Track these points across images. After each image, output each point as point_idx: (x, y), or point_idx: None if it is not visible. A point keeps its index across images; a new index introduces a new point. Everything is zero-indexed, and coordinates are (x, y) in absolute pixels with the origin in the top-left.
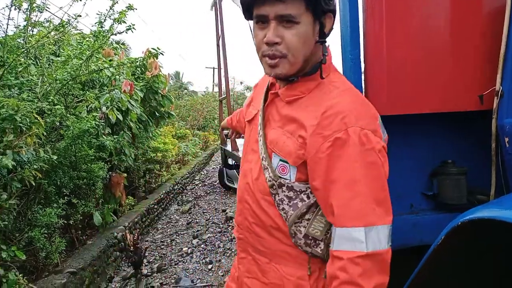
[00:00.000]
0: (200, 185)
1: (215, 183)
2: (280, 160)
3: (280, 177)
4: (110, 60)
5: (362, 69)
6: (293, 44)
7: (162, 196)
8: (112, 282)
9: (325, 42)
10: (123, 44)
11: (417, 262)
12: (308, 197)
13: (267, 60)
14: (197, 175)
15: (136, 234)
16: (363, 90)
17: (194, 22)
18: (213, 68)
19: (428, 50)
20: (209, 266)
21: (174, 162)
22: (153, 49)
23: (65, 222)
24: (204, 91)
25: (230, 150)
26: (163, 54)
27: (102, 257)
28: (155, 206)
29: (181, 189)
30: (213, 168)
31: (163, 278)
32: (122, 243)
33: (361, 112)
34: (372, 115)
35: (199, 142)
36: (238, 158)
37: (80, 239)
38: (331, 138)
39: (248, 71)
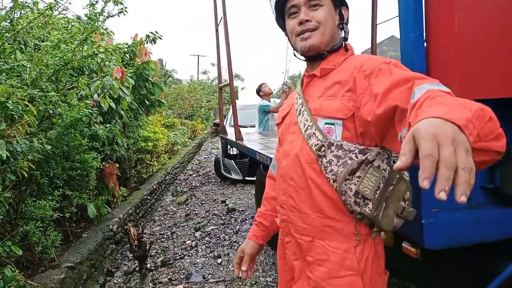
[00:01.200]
0: (194, 175)
1: (210, 173)
2: (326, 123)
3: (328, 138)
4: (99, 46)
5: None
6: (321, 18)
7: (154, 186)
8: (114, 277)
9: (345, 24)
10: (106, 30)
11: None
12: (357, 156)
13: (301, 37)
14: (187, 164)
15: (140, 228)
16: (426, 71)
17: (177, 9)
18: (198, 55)
19: (501, 30)
20: (219, 260)
21: (164, 152)
22: (151, 33)
23: (60, 215)
24: (190, 79)
25: (234, 140)
26: (161, 39)
27: (98, 250)
28: (148, 197)
29: (172, 179)
30: (204, 158)
31: (170, 273)
32: (118, 236)
33: (385, 58)
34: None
35: (187, 131)
36: (243, 148)
37: (75, 232)
38: (375, 70)
39: (238, 63)
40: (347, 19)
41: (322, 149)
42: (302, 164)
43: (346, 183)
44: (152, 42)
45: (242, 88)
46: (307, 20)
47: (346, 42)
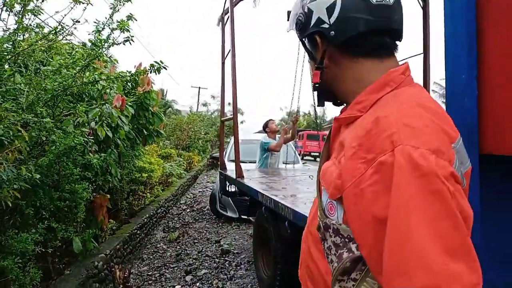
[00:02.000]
0: (187, 210)
1: (204, 209)
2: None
3: (327, 217)
4: (101, 73)
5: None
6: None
7: (145, 220)
8: None
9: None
10: (110, 58)
11: None
12: (357, 249)
13: None
14: (181, 198)
15: (127, 270)
16: (477, 122)
17: (183, 40)
18: (199, 87)
19: None
20: None
21: (157, 183)
22: (155, 62)
23: (42, 250)
24: (190, 111)
25: (234, 177)
26: (166, 69)
27: None
28: (138, 232)
29: (164, 213)
30: (199, 191)
31: None
32: (102, 274)
33: (419, 127)
34: (439, 133)
35: (184, 163)
36: (244, 187)
37: (57, 268)
38: (374, 162)
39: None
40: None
41: (320, 230)
42: (308, 241)
43: (340, 284)
44: (156, 72)
45: (241, 122)
46: None
47: (386, 74)
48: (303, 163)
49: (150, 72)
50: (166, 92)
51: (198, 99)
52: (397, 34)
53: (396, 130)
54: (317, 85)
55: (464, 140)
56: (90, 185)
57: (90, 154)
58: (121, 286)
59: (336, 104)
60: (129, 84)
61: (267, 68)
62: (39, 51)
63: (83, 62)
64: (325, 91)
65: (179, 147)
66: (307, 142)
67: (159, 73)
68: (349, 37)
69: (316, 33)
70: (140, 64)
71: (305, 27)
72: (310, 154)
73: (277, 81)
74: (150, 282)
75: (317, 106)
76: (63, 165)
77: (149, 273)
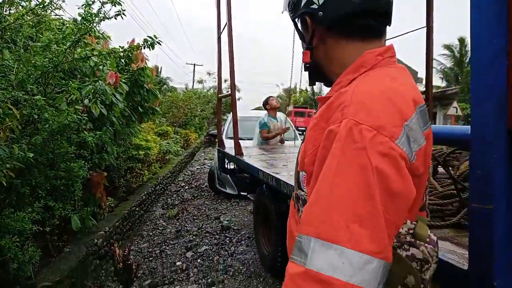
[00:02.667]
0: (186, 187)
1: (203, 186)
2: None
3: (301, 189)
4: (93, 49)
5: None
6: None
7: (144, 197)
8: None
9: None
10: (102, 34)
11: None
12: None
13: None
14: (179, 175)
15: (127, 248)
16: (506, 94)
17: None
18: (194, 64)
19: None
20: None
21: (155, 161)
22: (149, 37)
23: (40, 228)
24: (185, 88)
25: (233, 155)
26: (160, 44)
27: (80, 267)
28: (137, 209)
29: (162, 190)
30: (197, 168)
31: None
32: (102, 250)
33: (369, 104)
34: (390, 111)
35: (180, 140)
36: (244, 164)
37: (56, 246)
38: (326, 131)
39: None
40: (316, 35)
41: (294, 201)
42: (290, 211)
43: None
44: (151, 47)
45: (238, 99)
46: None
47: (362, 56)
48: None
49: (144, 48)
50: (161, 69)
51: (194, 76)
52: (384, 18)
53: (348, 104)
54: (307, 65)
55: (491, 115)
56: (86, 163)
57: (85, 132)
58: (120, 264)
59: (327, 84)
60: (122, 60)
61: (265, 44)
62: (27, 27)
63: (74, 38)
64: (315, 71)
65: (175, 124)
66: (295, 118)
67: (153, 49)
68: (336, 18)
69: (306, 13)
70: (134, 40)
71: (296, 7)
72: (298, 128)
73: (274, 58)
74: (150, 258)
75: (309, 85)
76: (58, 144)
77: (149, 250)
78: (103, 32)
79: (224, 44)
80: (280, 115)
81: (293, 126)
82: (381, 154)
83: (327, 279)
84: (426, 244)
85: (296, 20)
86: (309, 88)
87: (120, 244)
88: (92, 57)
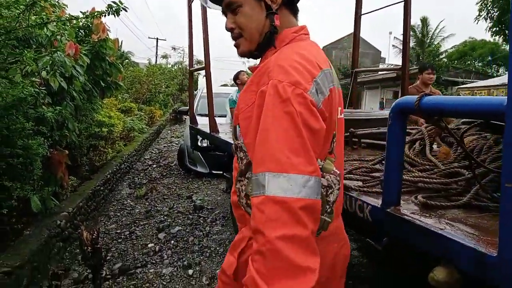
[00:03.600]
0: (154, 165)
1: (172, 164)
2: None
3: (236, 140)
4: (46, 15)
5: None
6: (242, 23)
7: (108, 176)
8: (62, 286)
9: (274, 13)
10: (58, 2)
11: None
12: None
13: (234, 44)
14: (145, 153)
15: (95, 231)
16: None
17: None
18: (157, 38)
19: None
20: (189, 272)
21: (119, 138)
22: (114, 3)
23: None
24: (148, 63)
25: (208, 132)
26: (126, 10)
27: (43, 250)
28: (102, 188)
29: (128, 168)
30: (164, 146)
31: (131, 286)
32: (66, 232)
33: (287, 67)
34: (301, 71)
35: (145, 117)
36: (220, 141)
37: (15, 228)
38: (258, 92)
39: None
40: (279, 4)
41: (233, 151)
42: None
43: (239, 183)
44: (116, 14)
45: (203, 77)
46: (232, 28)
47: (282, 32)
48: None
49: (108, 14)
50: (121, 43)
51: (157, 51)
52: None
53: (272, 69)
54: (275, 29)
55: None
56: (45, 140)
57: (43, 107)
58: (89, 248)
59: (258, 56)
60: (82, 31)
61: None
62: None
63: (27, 1)
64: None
65: (139, 101)
66: None
67: (118, 15)
68: None
69: None
70: (94, 9)
71: None
72: None
73: None
74: (119, 240)
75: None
76: (13, 119)
77: (118, 231)
78: (58, 0)
79: (194, 15)
80: None
81: None
82: (300, 102)
83: (281, 199)
84: (330, 174)
85: None
86: None
87: (86, 225)
88: (48, 25)
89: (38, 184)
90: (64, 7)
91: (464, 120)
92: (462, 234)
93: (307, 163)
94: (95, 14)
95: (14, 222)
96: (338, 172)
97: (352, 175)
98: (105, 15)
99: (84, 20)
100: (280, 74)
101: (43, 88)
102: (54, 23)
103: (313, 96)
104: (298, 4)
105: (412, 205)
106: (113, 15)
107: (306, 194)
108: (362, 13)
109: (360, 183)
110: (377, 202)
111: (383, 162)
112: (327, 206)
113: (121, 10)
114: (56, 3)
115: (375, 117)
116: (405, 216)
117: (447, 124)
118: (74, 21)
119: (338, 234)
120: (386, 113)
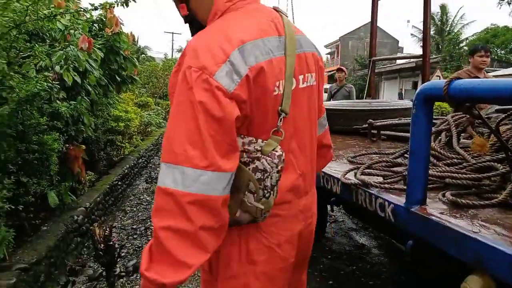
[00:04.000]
0: None
1: None
2: None
3: None
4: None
5: None
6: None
7: (126, 170)
8: (76, 284)
9: None
10: None
11: None
12: None
13: None
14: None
15: (108, 228)
16: None
17: None
18: (172, 33)
19: None
20: None
21: (136, 133)
22: None
23: (11, 207)
24: (165, 57)
25: None
26: (135, 1)
27: (60, 246)
28: (119, 183)
29: (145, 163)
30: None
31: None
32: (84, 227)
33: (198, 50)
34: (213, 52)
35: (162, 112)
36: None
37: (33, 224)
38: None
39: None
40: None
41: None
42: None
43: None
44: (125, 5)
45: None
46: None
47: (214, 4)
48: None
49: (118, 5)
50: (138, 37)
51: (172, 45)
52: None
53: (187, 53)
54: (186, 17)
55: None
56: (61, 135)
57: (57, 101)
58: (102, 245)
59: None
60: (95, 25)
61: None
62: None
63: None
64: (195, 22)
65: (155, 95)
66: None
67: (127, 6)
68: None
69: None
70: (107, 2)
71: None
72: None
73: None
74: (135, 236)
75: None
76: (27, 114)
77: (134, 227)
78: None
79: None
80: None
81: None
82: (203, 89)
83: (171, 192)
84: (266, 157)
85: None
86: None
87: (103, 220)
88: (60, 18)
89: (55, 179)
90: (78, 1)
91: (498, 107)
92: (500, 238)
93: (202, 157)
94: (105, 4)
95: (31, 217)
96: (279, 153)
97: (371, 170)
98: (114, 7)
99: (98, 13)
100: (190, 58)
101: (56, 82)
102: (68, 17)
103: (221, 80)
104: None
105: (440, 203)
106: (122, 6)
107: (197, 189)
108: None
109: (380, 179)
110: (400, 200)
111: (406, 155)
112: (265, 192)
113: (130, 1)
114: None
115: (395, 107)
116: (433, 217)
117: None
118: (88, 15)
119: (305, 212)
120: (407, 102)
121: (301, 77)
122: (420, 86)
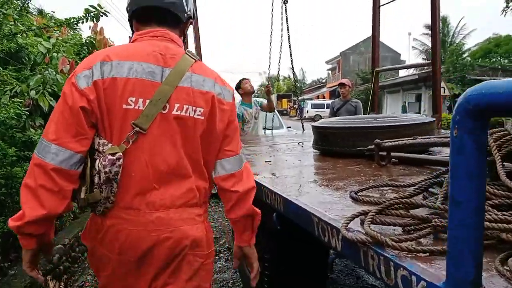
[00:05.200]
0: None
1: None
2: None
3: None
4: (49, 37)
5: None
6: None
7: None
8: None
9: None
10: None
11: None
12: None
13: None
14: None
15: (62, 282)
16: None
17: None
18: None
19: None
20: None
21: None
22: (91, 6)
23: None
24: None
25: None
26: (106, 15)
27: None
28: None
29: None
30: None
31: None
32: (61, 268)
33: (82, 63)
34: (85, 64)
35: None
36: None
37: (1, 267)
38: None
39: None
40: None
41: None
42: None
43: None
44: (94, 20)
45: None
46: None
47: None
48: (287, 128)
49: (86, 20)
50: None
51: None
52: (149, 10)
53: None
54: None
55: None
56: None
57: (31, 129)
58: None
59: None
60: (85, 48)
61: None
62: None
63: None
64: None
65: None
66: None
67: (97, 21)
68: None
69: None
70: (96, 25)
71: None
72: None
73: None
74: None
75: None
76: None
77: None
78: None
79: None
80: (255, 100)
81: (277, 112)
82: (68, 83)
83: (33, 155)
84: (101, 158)
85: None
86: (291, 75)
87: (60, 275)
88: (43, 41)
89: None
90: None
91: None
92: None
93: (53, 132)
94: (70, 20)
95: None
96: (113, 158)
97: (385, 217)
98: (82, 22)
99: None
100: (78, 67)
101: (27, 108)
102: (53, 40)
103: (78, 79)
104: None
105: (502, 280)
106: (91, 21)
107: (43, 156)
108: (381, 3)
109: (398, 230)
110: (436, 276)
111: (432, 188)
112: (92, 185)
113: (101, 16)
114: (39, 12)
115: (406, 123)
116: None
117: None
118: (77, 37)
119: (160, 225)
120: (421, 117)
121: (177, 105)
122: (464, 93)
